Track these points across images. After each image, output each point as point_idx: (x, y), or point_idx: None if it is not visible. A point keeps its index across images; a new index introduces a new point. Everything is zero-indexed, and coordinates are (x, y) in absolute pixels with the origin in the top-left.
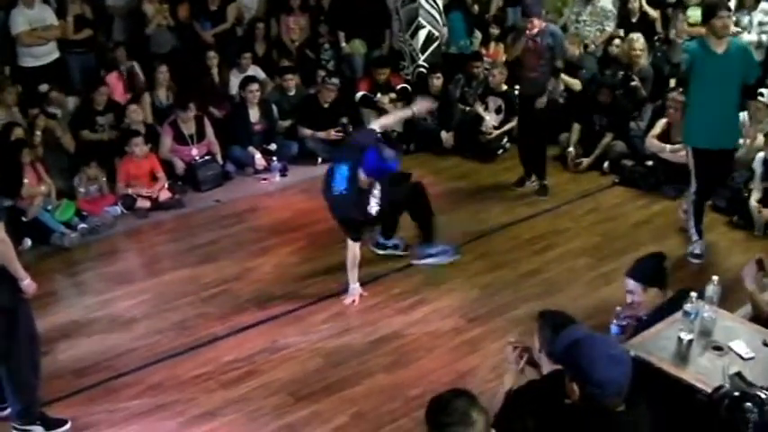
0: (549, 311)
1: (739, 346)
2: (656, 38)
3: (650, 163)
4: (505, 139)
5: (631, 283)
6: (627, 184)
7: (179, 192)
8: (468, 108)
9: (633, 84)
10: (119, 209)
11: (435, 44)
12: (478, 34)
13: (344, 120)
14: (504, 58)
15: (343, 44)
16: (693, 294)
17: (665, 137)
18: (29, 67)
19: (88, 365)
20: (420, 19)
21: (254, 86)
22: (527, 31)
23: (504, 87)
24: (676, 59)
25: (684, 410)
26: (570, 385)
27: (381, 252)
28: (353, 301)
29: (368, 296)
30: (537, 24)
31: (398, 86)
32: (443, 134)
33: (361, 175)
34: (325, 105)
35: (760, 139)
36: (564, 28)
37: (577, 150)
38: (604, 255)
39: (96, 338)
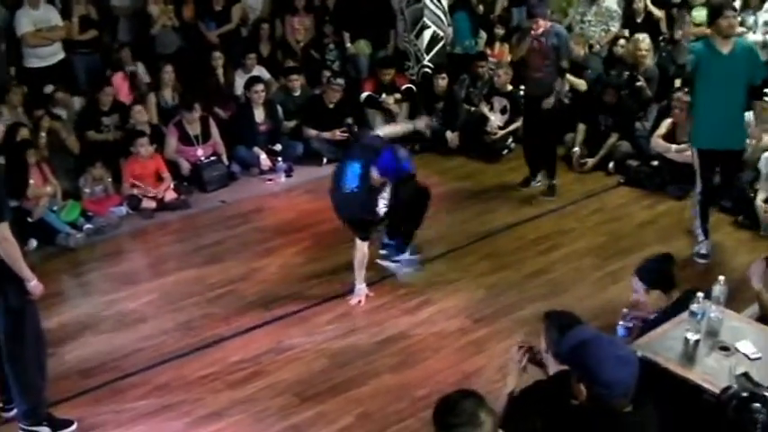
0: (556, 312)
1: (746, 347)
2: (660, 38)
3: (655, 163)
4: (510, 140)
5: (636, 282)
6: (632, 185)
7: (184, 192)
8: (473, 108)
9: (639, 84)
10: (124, 209)
11: (440, 44)
12: (483, 34)
13: (349, 120)
14: (509, 59)
15: (348, 44)
16: (700, 294)
17: (670, 137)
18: (34, 67)
19: (94, 366)
20: (425, 19)
21: (260, 87)
22: (532, 32)
23: (509, 87)
24: (682, 60)
25: (691, 411)
26: (577, 386)
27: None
28: (359, 301)
29: (374, 297)
30: (542, 25)
31: (403, 87)
32: (448, 134)
33: (374, 174)
34: (330, 106)
35: (766, 139)
36: (569, 28)
37: (582, 150)
38: (610, 255)
39: (102, 339)
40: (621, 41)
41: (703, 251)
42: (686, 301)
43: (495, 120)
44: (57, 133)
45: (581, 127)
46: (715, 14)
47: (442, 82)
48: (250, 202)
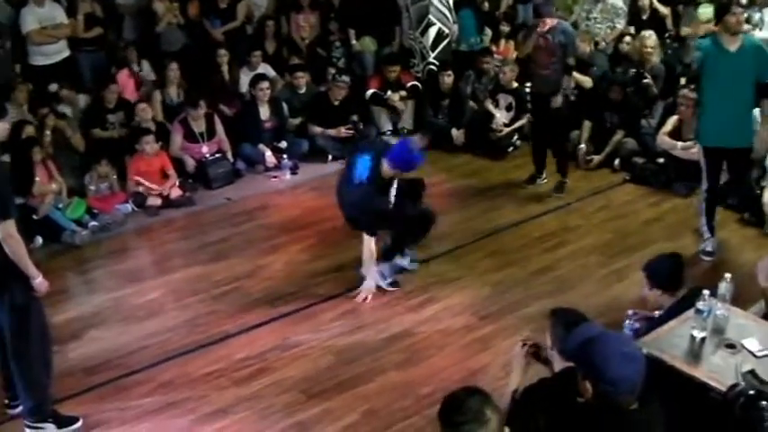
0: (561, 309)
1: (752, 344)
2: (666, 35)
3: (661, 160)
4: (516, 137)
5: (643, 278)
6: (638, 182)
7: (190, 189)
8: (478, 105)
9: (645, 81)
10: (129, 207)
11: (446, 41)
12: (489, 31)
13: (355, 117)
14: (514, 56)
15: (354, 42)
16: (706, 292)
17: (676, 134)
18: (39, 65)
19: (99, 363)
20: (430, 16)
21: (265, 84)
22: (538, 29)
23: (515, 85)
24: (689, 59)
25: (697, 408)
26: (583, 383)
27: None
28: (366, 298)
29: (379, 294)
30: (548, 22)
31: (409, 84)
32: (454, 131)
33: (385, 165)
34: (336, 103)
35: None
36: (574, 25)
37: (588, 148)
38: (615, 252)
39: (107, 336)
40: (627, 38)
41: (709, 249)
42: (692, 298)
43: (501, 117)
44: (62, 131)
45: (586, 124)
46: (722, 11)
47: (447, 79)
48: (255, 199)
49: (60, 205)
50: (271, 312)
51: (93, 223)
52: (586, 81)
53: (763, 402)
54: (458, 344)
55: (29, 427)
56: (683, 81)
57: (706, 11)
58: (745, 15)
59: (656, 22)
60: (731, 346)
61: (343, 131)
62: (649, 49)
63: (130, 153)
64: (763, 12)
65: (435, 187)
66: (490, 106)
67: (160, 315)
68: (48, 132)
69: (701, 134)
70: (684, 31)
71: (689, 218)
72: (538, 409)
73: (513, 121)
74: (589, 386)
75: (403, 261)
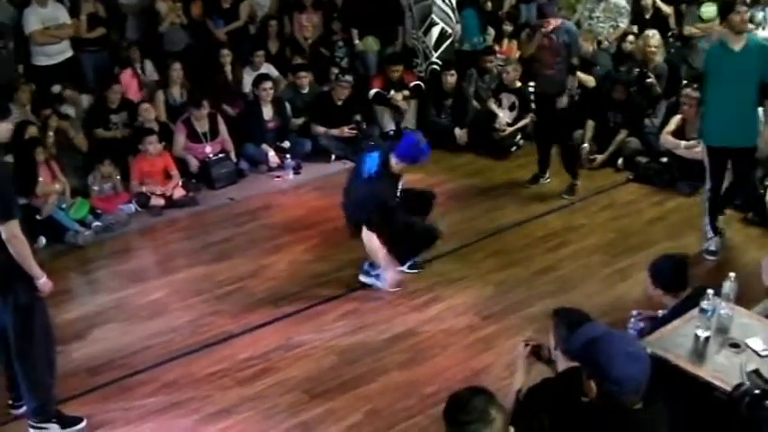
0: (564, 309)
1: (756, 343)
2: (669, 34)
3: (665, 159)
4: (519, 137)
5: (647, 276)
6: (641, 181)
7: (193, 189)
8: (481, 105)
9: (649, 81)
10: (133, 207)
11: (449, 41)
12: (491, 31)
13: (358, 117)
14: (517, 55)
15: (357, 41)
16: (710, 291)
17: (679, 133)
18: (42, 65)
19: (103, 363)
20: (433, 16)
21: (268, 84)
22: (542, 29)
23: (518, 84)
24: (697, 63)
25: (701, 408)
26: (587, 383)
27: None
28: (397, 284)
29: (382, 293)
30: (552, 22)
31: (412, 84)
32: (457, 131)
33: (393, 160)
34: (339, 103)
35: None
36: (577, 24)
37: (591, 147)
38: (619, 252)
39: (111, 336)
40: (630, 38)
41: (712, 248)
42: (696, 297)
43: (504, 116)
44: (65, 132)
45: (590, 123)
46: (727, 10)
47: (450, 79)
48: (258, 199)
49: (63, 205)
50: (274, 312)
51: (97, 223)
52: (589, 80)
53: None
54: (461, 343)
55: (33, 427)
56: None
57: (709, 9)
58: (749, 14)
59: (658, 21)
60: (735, 345)
61: (346, 131)
62: (653, 49)
63: (133, 153)
64: (766, 10)
65: (438, 187)
66: (493, 106)
67: (164, 315)
68: (51, 133)
69: (705, 133)
70: (687, 30)
71: (692, 217)
72: (542, 409)
73: (516, 120)
74: (593, 386)
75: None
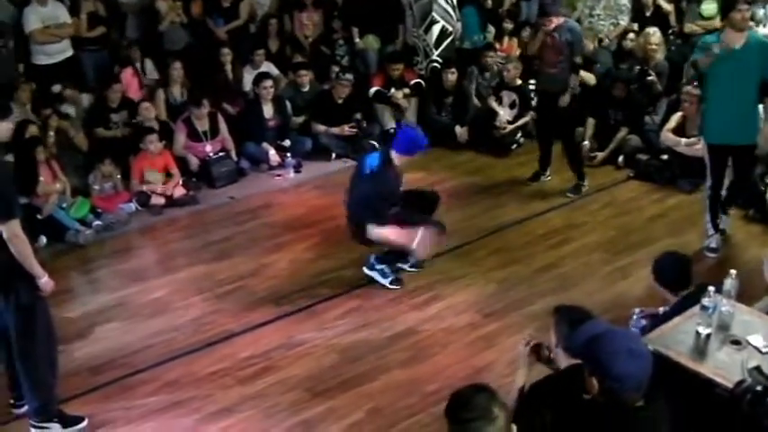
0: (566, 306)
1: (757, 340)
2: (670, 31)
3: (665, 157)
4: (519, 134)
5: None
6: (642, 179)
7: (193, 188)
8: (481, 103)
9: (650, 79)
10: (133, 206)
11: (449, 39)
12: (492, 29)
13: (358, 115)
14: (517, 53)
15: (357, 40)
16: (711, 288)
17: (680, 131)
18: (42, 64)
19: (104, 362)
20: (434, 14)
21: (268, 83)
22: (544, 27)
23: (519, 82)
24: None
25: (703, 405)
26: (589, 380)
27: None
28: (431, 242)
29: (383, 292)
30: (554, 20)
31: (412, 82)
32: (458, 129)
33: (394, 156)
34: (339, 101)
35: None
36: (578, 22)
37: (592, 144)
38: (620, 249)
39: (112, 336)
40: (631, 35)
41: (713, 245)
42: (697, 295)
43: (505, 114)
44: (65, 131)
45: (590, 121)
46: (728, 7)
47: (451, 77)
48: (259, 197)
49: (64, 205)
50: (275, 311)
51: (97, 222)
52: (590, 78)
53: None
54: (462, 341)
55: (34, 426)
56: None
57: (709, 7)
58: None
59: (659, 18)
60: (736, 342)
61: (346, 129)
62: (654, 46)
63: (134, 152)
64: (766, 8)
65: (439, 185)
66: (494, 104)
67: (165, 314)
68: (51, 133)
69: (706, 131)
70: (688, 27)
71: (693, 214)
72: (544, 406)
73: (516, 118)
74: (595, 383)
75: (403, 265)
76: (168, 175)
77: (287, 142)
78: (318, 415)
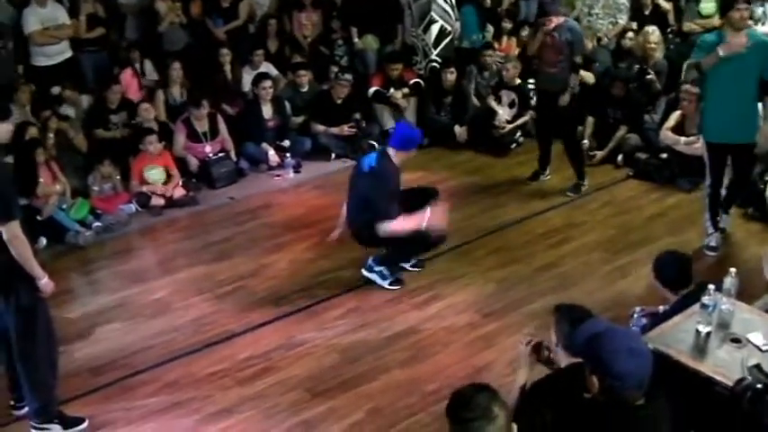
0: (566, 305)
1: (757, 338)
2: (668, 30)
3: (665, 156)
4: (519, 134)
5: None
6: (641, 177)
7: (193, 189)
8: (481, 102)
9: (649, 77)
10: (133, 207)
11: (448, 39)
12: (491, 28)
13: (357, 115)
14: (516, 52)
15: (356, 40)
16: (711, 287)
17: (679, 129)
18: (42, 66)
19: (104, 363)
20: (432, 14)
21: (267, 83)
22: (544, 27)
23: (518, 81)
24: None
25: (703, 403)
26: (590, 378)
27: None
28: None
29: (383, 292)
30: (554, 20)
31: (411, 81)
32: (457, 128)
33: (392, 153)
34: (338, 101)
35: None
36: (576, 21)
37: (591, 143)
38: (619, 248)
39: (112, 336)
40: (630, 34)
41: (713, 244)
42: (697, 293)
43: (504, 114)
44: (65, 132)
45: (589, 120)
46: (727, 6)
47: (450, 76)
48: (259, 198)
49: (64, 206)
50: (275, 311)
51: (97, 224)
52: (589, 77)
53: None
54: (462, 341)
55: (35, 428)
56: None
57: (708, 5)
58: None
59: (658, 17)
60: (736, 340)
61: (345, 129)
62: (653, 45)
63: (134, 153)
64: (765, 6)
65: (438, 185)
66: (493, 103)
67: (165, 315)
68: (51, 134)
69: (705, 130)
70: (687, 26)
71: (693, 213)
72: (544, 405)
73: (515, 117)
74: (596, 381)
75: (405, 264)
76: (168, 175)
77: (286, 142)
78: (318, 415)
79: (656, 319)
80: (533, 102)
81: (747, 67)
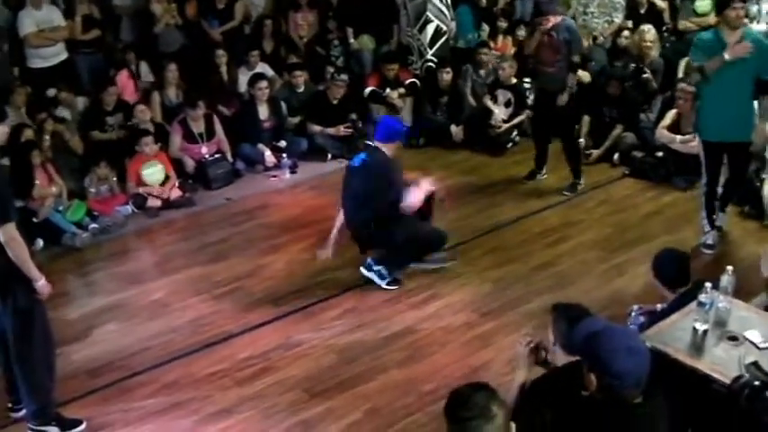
0: (563, 304)
1: (754, 336)
2: (664, 29)
3: (660, 154)
4: (515, 133)
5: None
6: (637, 176)
7: (189, 190)
8: (477, 102)
9: (645, 76)
10: (129, 208)
11: (443, 38)
12: (486, 28)
13: (354, 116)
14: (512, 51)
15: (352, 40)
16: (708, 285)
17: (675, 128)
18: (37, 68)
19: (102, 365)
20: (428, 13)
21: (263, 84)
22: (541, 26)
23: (514, 80)
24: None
25: (701, 401)
26: (588, 377)
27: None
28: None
29: (380, 292)
30: (552, 19)
31: (407, 81)
32: (453, 128)
33: (380, 145)
34: (335, 102)
35: None
36: (572, 19)
37: (587, 142)
38: (616, 246)
39: (109, 338)
40: (625, 33)
41: (709, 242)
42: (694, 291)
43: (500, 113)
44: (61, 134)
45: (585, 118)
46: (723, 5)
47: (446, 76)
48: (255, 198)
49: (60, 208)
50: (273, 312)
51: (94, 225)
52: (585, 76)
53: None
54: (459, 341)
55: (32, 430)
56: (680, 74)
57: (703, 4)
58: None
59: (653, 15)
60: (733, 338)
61: (342, 130)
62: (649, 44)
63: (130, 155)
64: (760, 4)
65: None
66: (489, 102)
67: (162, 316)
68: (46, 137)
69: (701, 128)
70: (682, 24)
71: (689, 211)
72: (543, 404)
73: (512, 117)
74: (594, 379)
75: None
76: (165, 176)
77: (282, 143)
78: (316, 415)
79: (654, 318)
80: (530, 101)
81: (743, 66)
